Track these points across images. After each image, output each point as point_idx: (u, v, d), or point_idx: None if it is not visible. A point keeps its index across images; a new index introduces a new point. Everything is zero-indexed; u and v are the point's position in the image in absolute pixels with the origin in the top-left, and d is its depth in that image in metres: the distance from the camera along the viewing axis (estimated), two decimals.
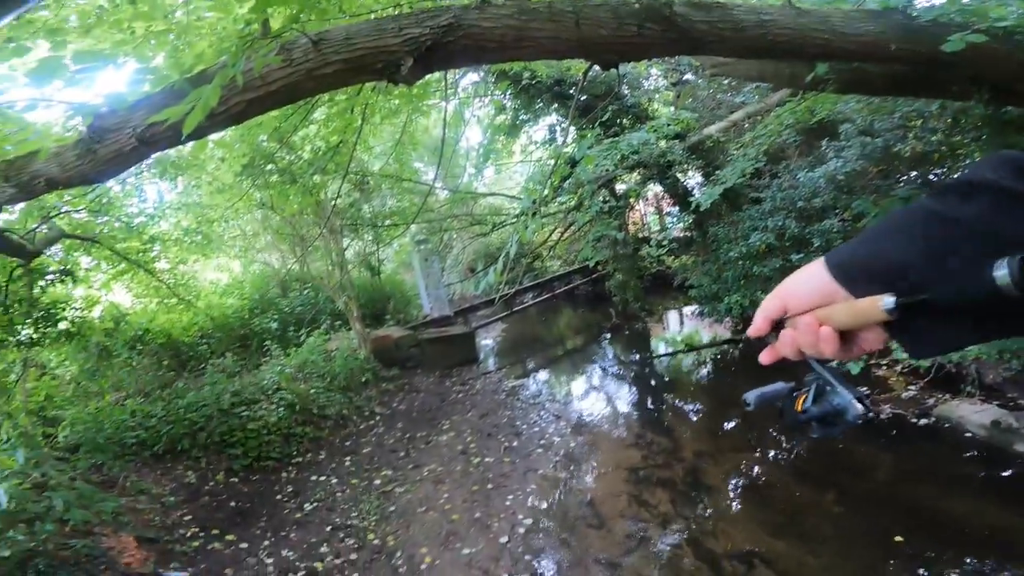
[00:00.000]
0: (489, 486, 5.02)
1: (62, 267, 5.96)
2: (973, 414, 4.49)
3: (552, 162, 8.16)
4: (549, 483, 4.99)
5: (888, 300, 0.52)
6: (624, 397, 7.52)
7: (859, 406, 0.59)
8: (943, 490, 3.96)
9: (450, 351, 9.55)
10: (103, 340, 6.85)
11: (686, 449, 5.29)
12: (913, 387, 5.23)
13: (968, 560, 3.24)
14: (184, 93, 1.94)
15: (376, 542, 4.28)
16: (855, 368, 4.67)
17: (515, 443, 5.99)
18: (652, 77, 10.29)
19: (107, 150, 2.36)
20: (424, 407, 7.60)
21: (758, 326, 0.66)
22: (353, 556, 4.10)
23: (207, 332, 9.61)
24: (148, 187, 7.43)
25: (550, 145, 10.48)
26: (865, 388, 5.27)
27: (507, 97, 10.13)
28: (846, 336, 0.58)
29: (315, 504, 4.93)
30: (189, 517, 4.55)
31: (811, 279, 0.61)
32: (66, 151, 2.47)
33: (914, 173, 6.12)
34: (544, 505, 4.61)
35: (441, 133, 5.91)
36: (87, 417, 5.42)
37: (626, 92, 9.43)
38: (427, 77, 3.13)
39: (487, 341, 11.78)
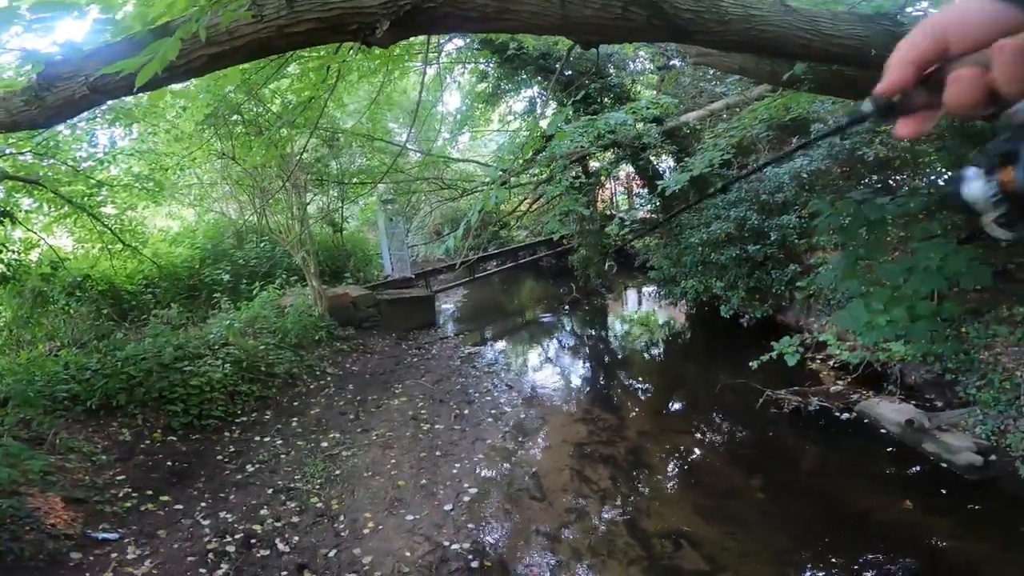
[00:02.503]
0: (437, 453, 5.09)
1: (0, 208, 5.50)
2: (891, 412, 4.78)
3: (527, 133, 8.03)
4: (497, 453, 5.11)
5: None
6: (577, 372, 7.71)
7: None
8: (858, 484, 4.24)
9: (409, 313, 9.49)
10: (39, 285, 6.43)
11: (630, 428, 5.49)
12: (841, 382, 5.53)
13: (874, 553, 3.50)
14: (144, 43, 1.82)
15: (319, 505, 4.27)
16: (791, 360, 4.91)
17: (466, 411, 6.07)
18: (639, 59, 10.15)
19: (56, 97, 2.28)
20: (378, 369, 7.56)
21: (898, 77, 0.46)
22: (295, 519, 4.09)
23: (153, 281, 9.14)
24: (101, 132, 6.87)
25: (529, 117, 10.30)
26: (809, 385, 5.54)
27: (490, 65, 9.82)
28: None
29: (257, 466, 4.86)
30: (122, 477, 4.40)
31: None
32: (13, 97, 2.39)
33: (875, 177, 6.29)
34: (490, 475, 4.73)
35: (418, 96, 5.74)
36: (17, 368, 5.12)
37: (611, 72, 9.31)
38: (411, 39, 2.98)
39: (447, 305, 11.75)
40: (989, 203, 0.44)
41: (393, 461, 4.95)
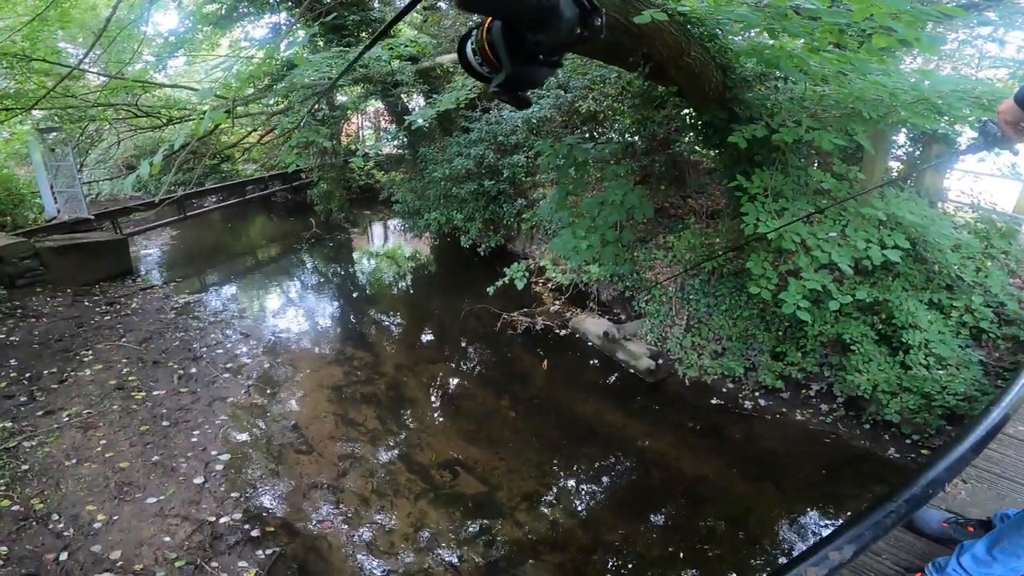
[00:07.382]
0: (165, 423, 4.36)
1: None
2: (593, 326, 5.73)
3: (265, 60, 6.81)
4: (244, 412, 4.63)
5: None
6: (325, 311, 7.36)
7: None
8: (578, 394, 5.02)
9: (90, 262, 7.44)
10: None
11: (387, 363, 5.58)
12: (558, 303, 6.52)
13: (602, 455, 4.23)
14: None
15: (16, 508, 3.37)
16: (520, 284, 5.22)
17: (193, 370, 5.28)
18: None
19: None
20: (50, 336, 5.83)
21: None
22: None
23: None
24: None
25: (269, 45, 8.72)
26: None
27: None
28: None
29: None
30: None
31: None
32: None
33: (585, 127, 7.32)
34: (242, 437, 4.29)
35: (111, 13, 4.34)
36: None
37: (376, 5, 8.63)
38: None
39: (150, 250, 9.61)
40: (476, 56, 0.55)
41: (103, 442, 4.03)
